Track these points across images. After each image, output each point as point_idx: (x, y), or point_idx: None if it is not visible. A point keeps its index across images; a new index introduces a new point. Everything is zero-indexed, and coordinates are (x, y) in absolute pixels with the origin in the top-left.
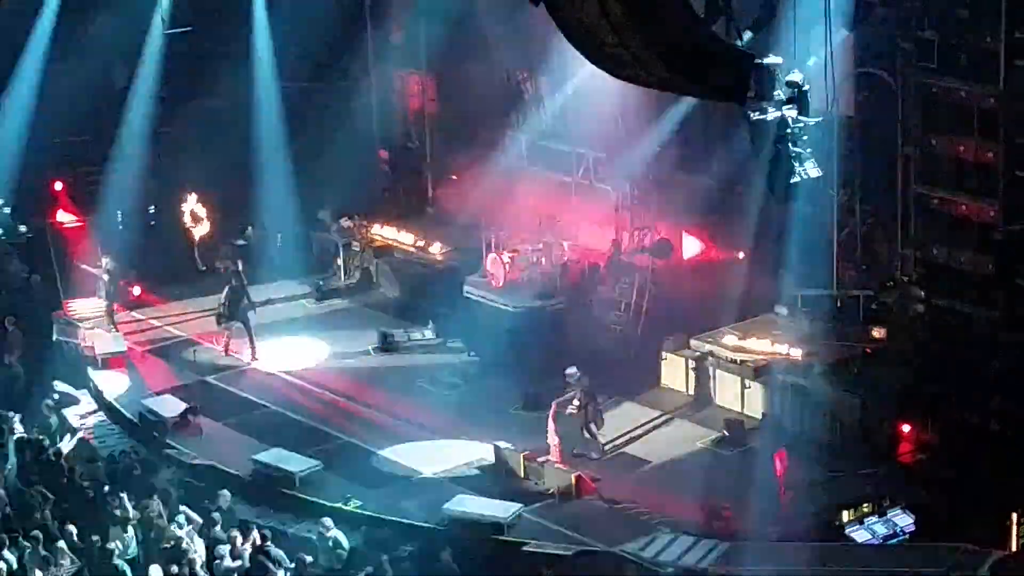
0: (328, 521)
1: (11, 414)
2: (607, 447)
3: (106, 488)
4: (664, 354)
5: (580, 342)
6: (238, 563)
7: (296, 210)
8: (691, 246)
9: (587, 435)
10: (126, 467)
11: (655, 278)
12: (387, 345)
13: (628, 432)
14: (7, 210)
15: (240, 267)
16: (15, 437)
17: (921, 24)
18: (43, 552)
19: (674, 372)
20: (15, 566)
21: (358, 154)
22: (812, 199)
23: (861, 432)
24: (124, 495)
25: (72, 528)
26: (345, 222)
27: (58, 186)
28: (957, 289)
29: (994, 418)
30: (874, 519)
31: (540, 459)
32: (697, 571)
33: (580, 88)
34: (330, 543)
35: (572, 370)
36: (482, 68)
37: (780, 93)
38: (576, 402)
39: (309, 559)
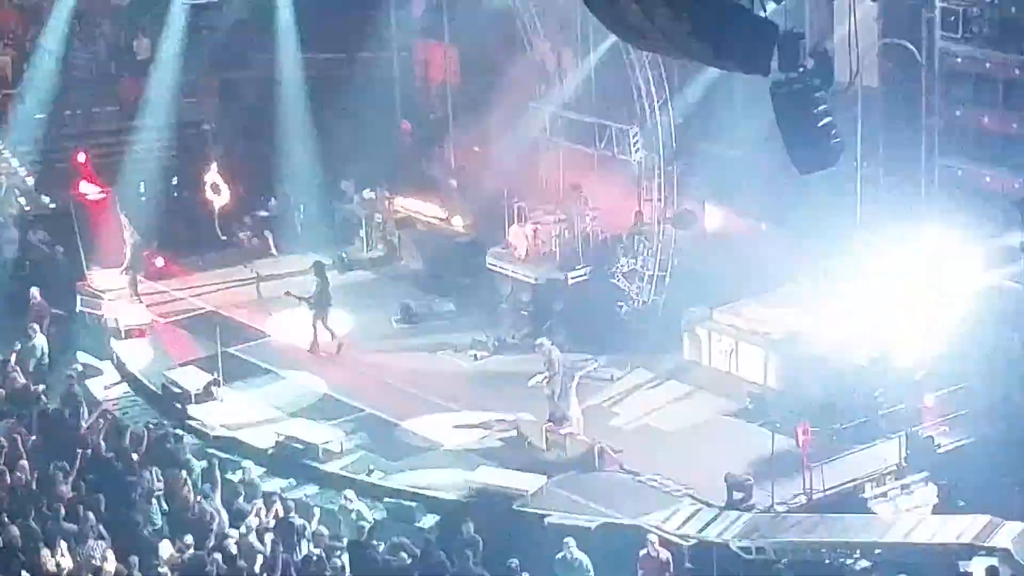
0: (350, 493)
1: (35, 385)
2: (629, 419)
3: (134, 458)
4: (686, 326)
5: (602, 314)
6: (261, 532)
7: (319, 182)
8: (714, 217)
9: (552, 406)
10: (156, 439)
11: (678, 249)
12: (409, 317)
13: (650, 403)
14: (31, 181)
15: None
16: (39, 408)
17: None
18: (65, 524)
19: (696, 344)
20: (40, 535)
21: (380, 126)
22: (835, 170)
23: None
24: (150, 467)
25: (100, 498)
26: (368, 194)
27: (81, 157)
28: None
29: (1017, 390)
30: (897, 491)
31: (562, 431)
32: (719, 543)
33: (603, 59)
34: (352, 515)
35: (541, 340)
36: (504, 39)
37: (804, 64)
38: (544, 373)
39: (329, 531)
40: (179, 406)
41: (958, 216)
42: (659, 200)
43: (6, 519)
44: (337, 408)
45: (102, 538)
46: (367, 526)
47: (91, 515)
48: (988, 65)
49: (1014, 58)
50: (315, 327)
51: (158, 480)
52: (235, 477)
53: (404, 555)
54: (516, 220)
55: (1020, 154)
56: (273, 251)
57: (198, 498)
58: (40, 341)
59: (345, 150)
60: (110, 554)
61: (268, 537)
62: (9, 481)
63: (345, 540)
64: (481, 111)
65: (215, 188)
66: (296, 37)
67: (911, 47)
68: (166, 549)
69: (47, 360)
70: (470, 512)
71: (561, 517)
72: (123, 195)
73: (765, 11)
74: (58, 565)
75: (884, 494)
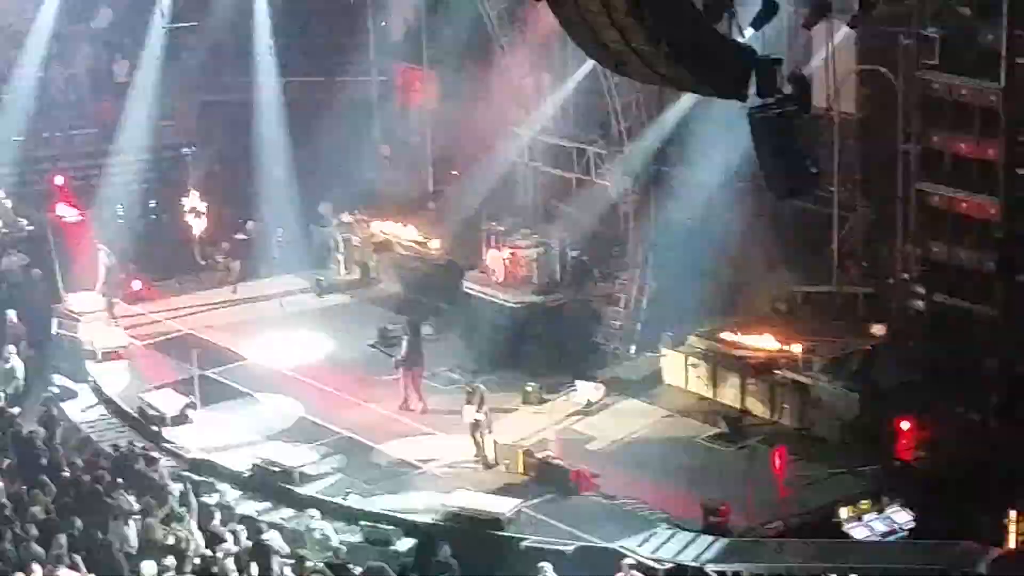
0: (314, 512)
1: (11, 408)
2: (606, 443)
3: (117, 481)
4: (663, 350)
5: (579, 338)
6: (236, 554)
7: (297, 205)
8: (690, 241)
9: (476, 441)
10: (130, 461)
11: (655, 274)
12: (386, 340)
13: (627, 428)
14: (8, 203)
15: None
16: (14, 430)
17: (923, 21)
18: (37, 548)
19: (674, 368)
20: (15, 558)
21: (359, 149)
22: (812, 196)
23: (860, 429)
24: (126, 489)
25: (76, 521)
26: (345, 217)
27: (59, 180)
28: (957, 286)
29: (993, 415)
30: (873, 516)
31: (540, 454)
32: (695, 567)
33: (581, 84)
34: (316, 535)
35: (476, 385)
36: (483, 64)
37: (781, 89)
38: (475, 406)
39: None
40: (155, 429)
41: None
42: (636, 225)
43: None
44: (314, 431)
45: (75, 562)
46: (341, 548)
47: (64, 538)
48: (964, 92)
49: (990, 86)
50: (406, 385)
51: (133, 503)
52: (211, 500)
53: None
54: (494, 244)
55: (996, 180)
56: (228, 270)
57: (172, 522)
58: (16, 364)
59: (323, 173)
60: None
61: (243, 560)
62: None
63: (321, 563)
64: (459, 135)
65: (195, 212)
66: (275, 60)
67: (888, 74)
68: (149, 571)
69: (23, 383)
70: (446, 535)
71: (537, 541)
72: (100, 218)
73: (743, 37)
74: None
75: (859, 518)
